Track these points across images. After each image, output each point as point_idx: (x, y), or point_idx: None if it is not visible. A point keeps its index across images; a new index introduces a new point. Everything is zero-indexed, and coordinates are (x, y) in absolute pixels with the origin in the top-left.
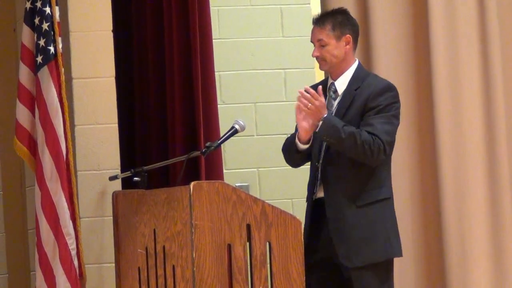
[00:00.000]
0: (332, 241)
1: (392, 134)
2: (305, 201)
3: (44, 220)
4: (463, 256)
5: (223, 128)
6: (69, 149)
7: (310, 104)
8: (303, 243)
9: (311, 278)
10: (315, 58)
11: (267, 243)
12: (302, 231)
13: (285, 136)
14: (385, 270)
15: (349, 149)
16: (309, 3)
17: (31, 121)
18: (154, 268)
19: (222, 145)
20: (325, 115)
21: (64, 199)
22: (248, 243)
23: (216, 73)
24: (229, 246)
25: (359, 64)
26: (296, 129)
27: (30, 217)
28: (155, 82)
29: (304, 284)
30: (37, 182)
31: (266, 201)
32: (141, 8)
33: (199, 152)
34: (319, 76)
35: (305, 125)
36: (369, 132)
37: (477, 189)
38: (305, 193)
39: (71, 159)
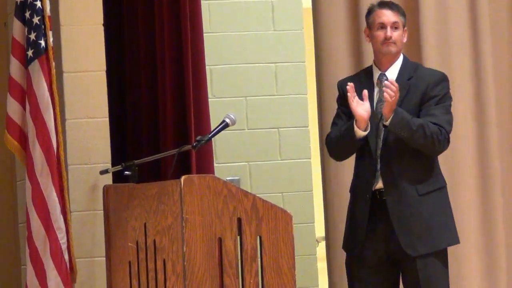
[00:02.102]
0: (393, 233)
1: (452, 124)
2: (350, 192)
3: (34, 214)
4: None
5: (214, 122)
6: (60, 143)
7: (394, 96)
8: (293, 237)
9: (377, 281)
10: (377, 39)
11: (258, 237)
12: (293, 225)
13: (276, 130)
14: (446, 256)
15: (418, 141)
16: None
17: (22, 115)
18: (145, 262)
19: (213, 139)
20: (397, 108)
21: (55, 193)
22: (238, 237)
23: (207, 67)
24: (220, 240)
25: (404, 55)
26: (334, 124)
27: (20, 211)
28: (146, 76)
29: (294, 278)
30: (27, 176)
31: (257, 195)
32: (132, 2)
33: (190, 146)
34: (310, 70)
35: (363, 113)
36: (434, 123)
37: (469, 184)
38: (295, 186)
39: (61, 153)
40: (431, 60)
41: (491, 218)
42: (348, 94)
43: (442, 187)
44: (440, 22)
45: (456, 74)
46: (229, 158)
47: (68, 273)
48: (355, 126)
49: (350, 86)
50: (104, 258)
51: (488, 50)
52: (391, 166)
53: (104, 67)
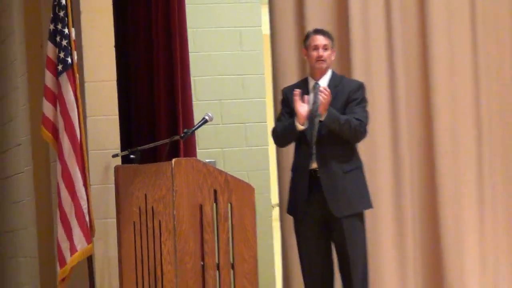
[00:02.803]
0: (326, 202)
1: (368, 119)
2: (291, 171)
3: (63, 187)
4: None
5: (197, 118)
6: (82, 134)
7: (327, 98)
8: (255, 203)
9: (312, 236)
10: (312, 57)
11: (229, 204)
12: (254, 194)
13: (243, 125)
14: (363, 218)
15: (344, 132)
16: (260, 26)
17: (54, 114)
18: (145, 222)
19: (195, 131)
20: (329, 108)
21: (78, 172)
22: (214, 204)
23: (191, 78)
24: (201, 206)
25: (332, 69)
26: (278, 120)
27: (53, 185)
28: (145, 85)
29: (255, 234)
30: (58, 159)
31: (228, 173)
32: (135, 30)
33: (179, 136)
34: (268, 80)
35: (303, 112)
36: (356, 119)
37: (384, 166)
38: (256, 166)
39: (83, 141)
40: (357, 71)
41: (400, 191)
42: (295, 97)
43: (360, 166)
44: (365, 43)
45: (375, 82)
46: (207, 146)
47: (89, 230)
48: (296, 122)
49: (297, 91)
50: (115, 219)
51: (400, 64)
52: (323, 151)
53: (115, 78)
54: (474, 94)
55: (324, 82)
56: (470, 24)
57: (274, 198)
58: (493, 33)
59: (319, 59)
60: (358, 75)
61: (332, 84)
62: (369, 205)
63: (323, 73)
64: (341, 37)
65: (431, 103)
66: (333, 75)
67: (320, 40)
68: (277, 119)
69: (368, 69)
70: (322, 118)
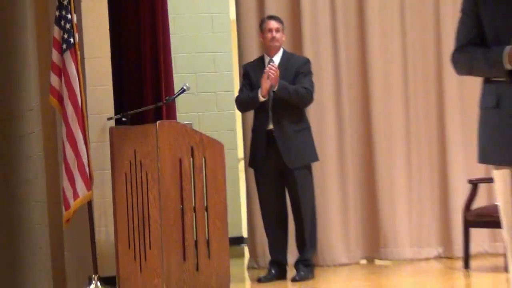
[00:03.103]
0: (280, 156)
1: (314, 88)
2: (251, 131)
3: (68, 145)
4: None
5: (176, 88)
6: (83, 101)
7: (274, 73)
8: (224, 157)
9: (270, 184)
10: (267, 38)
11: (203, 158)
12: (224, 150)
13: (215, 94)
14: (311, 169)
15: (294, 99)
16: (228, 12)
17: (59, 84)
18: (135, 173)
19: (176, 98)
20: (280, 80)
21: (80, 132)
22: (192, 158)
23: (172, 55)
24: (180, 160)
25: (283, 48)
26: (241, 90)
27: (59, 143)
28: (135, 61)
29: (225, 183)
30: (63, 121)
31: (203, 133)
32: (126, 14)
33: (162, 102)
34: (234, 57)
35: (266, 85)
36: (303, 87)
37: (330, 128)
38: (226, 127)
39: (84, 107)
40: (307, 49)
41: (342, 146)
42: (264, 74)
43: (308, 127)
44: (313, 24)
45: (322, 56)
46: (186, 110)
47: (88, 180)
48: (259, 94)
49: (270, 65)
50: (110, 171)
51: (342, 41)
52: (277, 115)
53: (109, 55)
54: (403, 68)
55: (277, 58)
56: (400, 19)
57: (240, 153)
58: (419, 27)
59: (273, 39)
60: (307, 52)
61: (283, 60)
62: (316, 158)
63: (276, 51)
64: (294, 20)
65: (367, 70)
66: (284, 52)
67: (273, 24)
68: (240, 90)
69: (317, 47)
70: (275, 89)
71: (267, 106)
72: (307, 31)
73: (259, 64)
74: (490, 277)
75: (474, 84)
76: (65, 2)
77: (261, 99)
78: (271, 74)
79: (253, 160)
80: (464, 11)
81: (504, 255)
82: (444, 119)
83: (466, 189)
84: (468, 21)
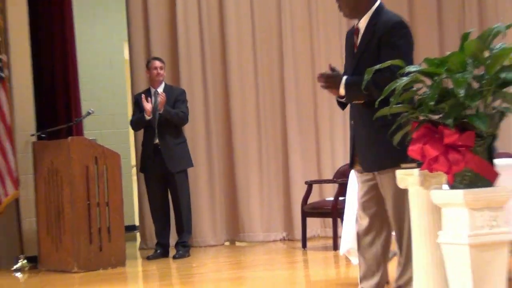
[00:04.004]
0: (164, 162)
1: (188, 112)
2: (142, 145)
3: (0, 155)
4: None
5: (84, 111)
6: (11, 121)
7: (162, 100)
8: (121, 165)
9: (156, 185)
10: (153, 74)
11: (104, 165)
12: (121, 159)
13: (113, 116)
14: (187, 173)
15: (175, 120)
16: (123, 55)
17: None
18: (52, 177)
19: (83, 119)
20: (165, 106)
21: (9, 144)
22: (96, 165)
23: (79, 86)
24: (87, 167)
25: (165, 82)
26: (133, 115)
27: None
28: (51, 90)
29: (121, 186)
30: None
31: (104, 145)
32: (43, 56)
33: (72, 122)
34: (128, 87)
35: (149, 108)
36: (182, 112)
37: (200, 142)
38: (122, 142)
39: (12, 126)
40: (183, 82)
41: (210, 154)
42: (143, 100)
43: (185, 140)
44: (188, 62)
45: (194, 89)
46: (91, 129)
47: (16, 182)
48: (145, 115)
49: (143, 96)
50: (33, 175)
51: (210, 76)
52: (162, 132)
53: (31, 85)
54: (256, 97)
55: (160, 89)
56: (253, 58)
57: (133, 161)
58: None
59: (158, 75)
60: (183, 84)
61: (165, 90)
62: (191, 165)
63: (159, 84)
64: (173, 59)
65: (229, 99)
66: (166, 85)
67: (157, 63)
68: (132, 114)
69: (190, 80)
70: (161, 112)
71: (154, 125)
72: (183, 68)
73: (146, 94)
74: (321, 254)
75: (308, 103)
76: None
77: (147, 117)
78: (160, 100)
79: (143, 166)
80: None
81: (332, 237)
82: (287, 134)
83: (303, 187)
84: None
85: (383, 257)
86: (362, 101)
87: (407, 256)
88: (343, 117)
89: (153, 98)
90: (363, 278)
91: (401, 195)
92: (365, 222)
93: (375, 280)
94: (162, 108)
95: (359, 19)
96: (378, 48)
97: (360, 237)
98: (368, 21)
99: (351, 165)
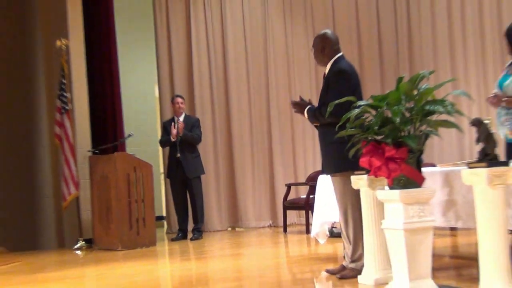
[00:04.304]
0: (184, 171)
1: (201, 135)
2: (168, 158)
3: (65, 165)
4: None
5: (126, 133)
6: (74, 141)
7: (181, 126)
8: (152, 173)
9: (178, 187)
10: (175, 107)
11: (141, 173)
12: (152, 168)
13: (147, 136)
14: (201, 179)
15: (191, 140)
16: (154, 93)
17: (59, 131)
18: (103, 182)
19: (126, 140)
20: (184, 130)
21: (71, 158)
22: (134, 173)
23: (123, 114)
24: (128, 174)
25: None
26: (162, 136)
27: (60, 165)
28: (102, 117)
29: (153, 187)
30: (62, 153)
31: (141, 159)
32: (97, 94)
33: (118, 142)
34: (158, 116)
35: (174, 133)
36: (197, 134)
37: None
38: (153, 155)
39: (74, 144)
40: (198, 112)
41: (217, 165)
42: (172, 128)
43: (199, 155)
44: (201, 98)
45: (205, 118)
46: (131, 146)
47: (77, 184)
48: (171, 137)
49: (172, 124)
50: (89, 180)
51: (217, 107)
52: (182, 148)
53: (88, 115)
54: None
55: (181, 118)
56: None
57: (161, 170)
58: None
59: (179, 108)
60: (198, 113)
61: (185, 119)
62: (203, 172)
63: (181, 114)
64: (190, 96)
65: (231, 125)
66: (185, 115)
67: (179, 99)
68: (161, 136)
69: (203, 111)
70: (181, 135)
71: (177, 144)
72: (197, 101)
73: (172, 121)
74: (297, 237)
75: (287, 126)
76: (63, 86)
77: (172, 140)
78: (180, 126)
79: (168, 173)
80: None
81: (305, 224)
82: (272, 150)
83: (284, 188)
84: None
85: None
86: (317, 124)
87: (355, 238)
88: (312, 136)
89: (176, 124)
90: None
91: (345, 193)
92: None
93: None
94: (182, 132)
95: (326, 66)
96: (327, 87)
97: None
98: (329, 68)
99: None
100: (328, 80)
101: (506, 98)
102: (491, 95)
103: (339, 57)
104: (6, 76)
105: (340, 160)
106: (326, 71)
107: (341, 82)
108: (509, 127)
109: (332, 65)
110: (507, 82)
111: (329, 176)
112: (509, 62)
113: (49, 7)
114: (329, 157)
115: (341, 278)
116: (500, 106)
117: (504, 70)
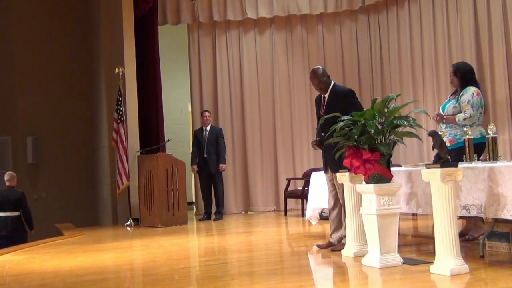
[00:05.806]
0: (209, 167)
1: (225, 141)
2: (197, 157)
3: (119, 162)
4: None
5: (166, 137)
6: (126, 143)
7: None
8: (185, 169)
9: (204, 179)
10: (204, 119)
11: (176, 168)
12: (185, 165)
13: (182, 142)
14: (222, 174)
15: (219, 148)
16: (188, 108)
17: (115, 136)
18: (148, 176)
19: (166, 143)
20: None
21: (125, 157)
22: (171, 168)
23: (164, 123)
24: (167, 169)
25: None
26: (193, 140)
27: (115, 163)
28: (147, 126)
29: (186, 180)
30: (117, 152)
31: (177, 157)
32: (143, 105)
33: (159, 145)
34: (190, 126)
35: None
36: (222, 142)
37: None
38: (186, 155)
39: (126, 147)
40: (221, 124)
41: (235, 161)
42: (192, 168)
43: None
44: (223, 112)
45: (226, 130)
46: (169, 147)
47: (128, 176)
48: (192, 163)
49: (203, 131)
50: (137, 174)
51: (235, 120)
52: (208, 150)
53: (137, 123)
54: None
55: (208, 127)
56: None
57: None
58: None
59: (207, 120)
60: (221, 124)
61: (211, 128)
62: (224, 168)
63: (208, 125)
64: (215, 109)
65: (245, 135)
66: (211, 125)
67: (207, 113)
68: (192, 141)
69: (225, 122)
70: (221, 171)
71: (203, 147)
72: (220, 114)
73: (201, 130)
74: (295, 219)
75: (287, 135)
76: (119, 102)
77: (195, 169)
78: (221, 167)
79: (198, 168)
80: None
81: (301, 210)
82: (277, 151)
83: (285, 181)
84: None
85: (341, 221)
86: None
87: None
88: (307, 142)
89: (204, 132)
90: (333, 232)
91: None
92: (332, 202)
93: (339, 233)
94: (223, 167)
95: (325, 93)
96: (339, 104)
97: (330, 210)
98: (330, 91)
99: (325, 171)
100: (336, 100)
101: (445, 117)
102: (435, 114)
103: (334, 83)
104: (77, 95)
105: (339, 162)
106: (327, 95)
107: (356, 98)
108: (448, 137)
109: (332, 89)
110: (447, 105)
111: (323, 172)
112: (452, 92)
113: (111, 42)
114: (333, 160)
115: (332, 250)
116: (442, 122)
117: (448, 97)
